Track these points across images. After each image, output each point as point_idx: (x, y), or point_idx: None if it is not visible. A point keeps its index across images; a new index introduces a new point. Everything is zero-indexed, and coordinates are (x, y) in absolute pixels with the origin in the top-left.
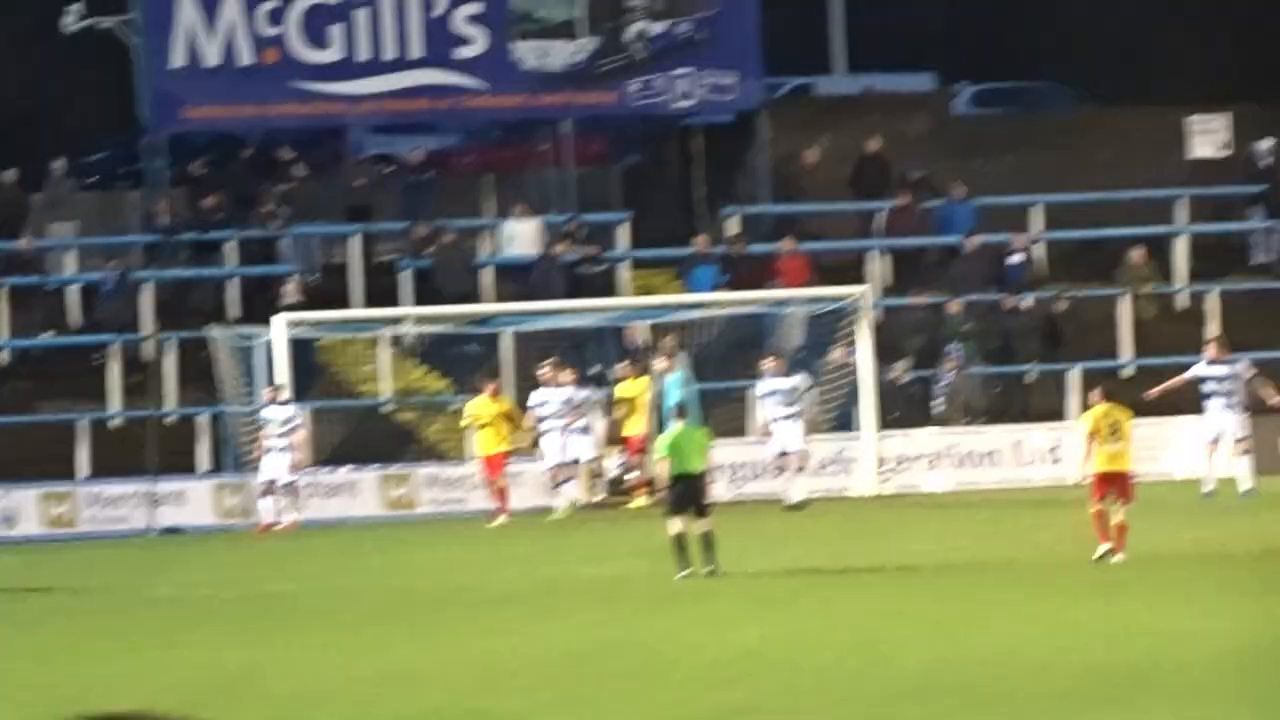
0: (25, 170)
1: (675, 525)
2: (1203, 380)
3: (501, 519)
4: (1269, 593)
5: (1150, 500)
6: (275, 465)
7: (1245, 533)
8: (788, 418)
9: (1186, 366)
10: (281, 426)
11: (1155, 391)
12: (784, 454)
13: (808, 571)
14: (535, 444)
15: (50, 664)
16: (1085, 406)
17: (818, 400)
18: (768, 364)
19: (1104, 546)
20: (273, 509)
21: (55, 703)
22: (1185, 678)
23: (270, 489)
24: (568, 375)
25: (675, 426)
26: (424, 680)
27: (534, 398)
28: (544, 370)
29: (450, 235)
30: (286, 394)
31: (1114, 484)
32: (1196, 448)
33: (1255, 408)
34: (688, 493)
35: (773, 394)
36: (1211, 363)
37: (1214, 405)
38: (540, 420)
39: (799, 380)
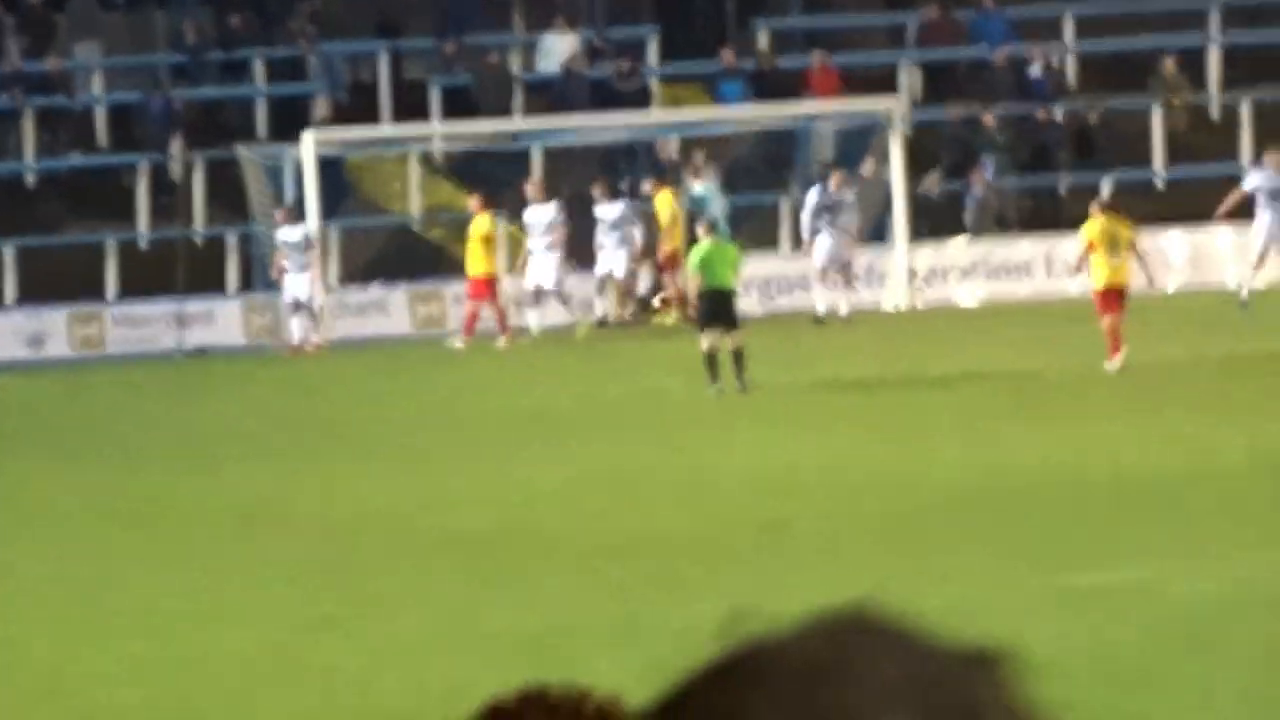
0: None
1: (706, 341)
2: (1259, 191)
3: (501, 341)
4: None
5: (1192, 311)
6: (297, 285)
7: None
8: (830, 230)
9: (1228, 178)
10: (297, 247)
11: (1222, 209)
12: (827, 267)
13: (840, 386)
14: (522, 265)
15: (83, 487)
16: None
17: (857, 214)
18: (832, 180)
19: (1117, 360)
20: (300, 329)
21: (89, 524)
22: (1218, 488)
23: (298, 308)
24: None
25: (705, 241)
26: (464, 501)
27: (524, 217)
28: (528, 188)
29: (481, 51)
30: (304, 214)
31: (1116, 298)
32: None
33: None
34: (718, 308)
35: (818, 205)
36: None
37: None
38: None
39: (847, 194)
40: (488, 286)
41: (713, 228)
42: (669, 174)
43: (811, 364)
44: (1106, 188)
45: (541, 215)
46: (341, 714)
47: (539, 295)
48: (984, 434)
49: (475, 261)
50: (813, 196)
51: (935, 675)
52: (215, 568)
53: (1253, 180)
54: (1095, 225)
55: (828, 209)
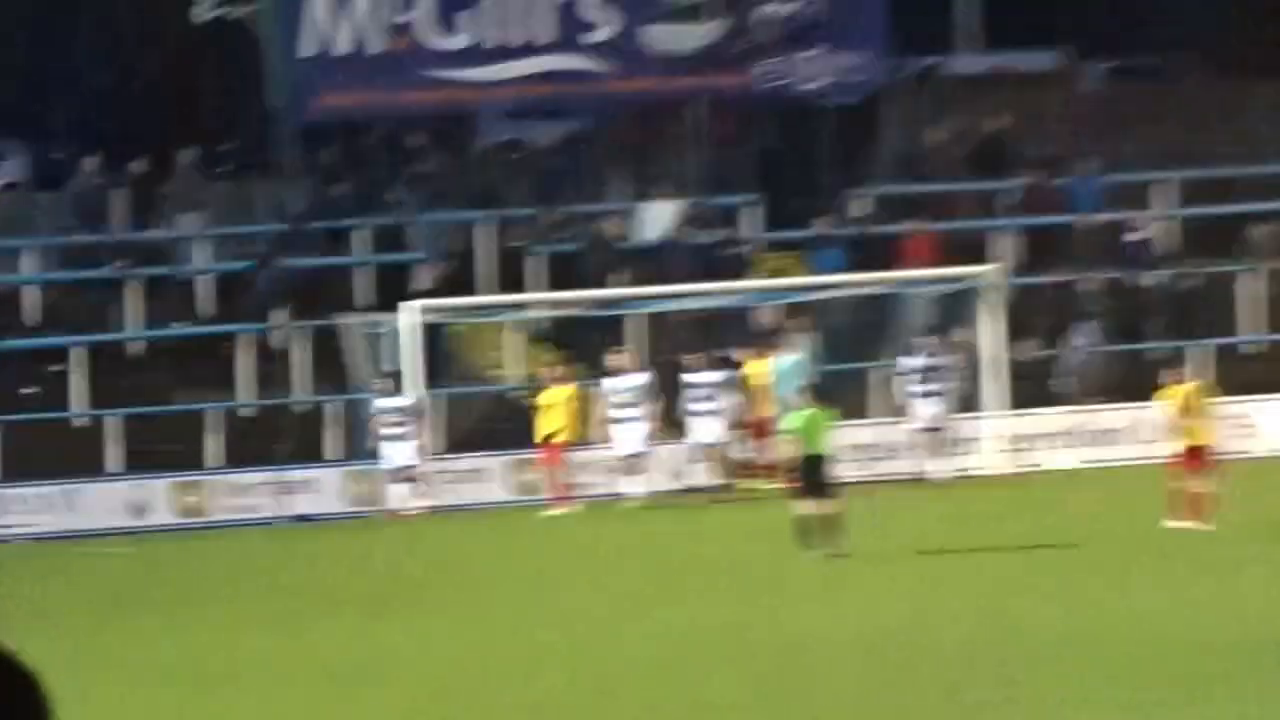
0: (155, 161)
1: (801, 507)
2: None
3: (559, 509)
4: None
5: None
6: (397, 453)
7: None
8: (929, 395)
9: None
10: (397, 415)
11: None
12: (925, 430)
13: (935, 550)
14: (604, 434)
15: (190, 645)
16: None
17: (955, 380)
18: (929, 346)
19: (1179, 522)
20: (400, 496)
21: (199, 681)
22: None
23: (397, 476)
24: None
25: (800, 408)
26: (559, 661)
27: (604, 386)
28: (612, 357)
29: (581, 219)
30: (403, 382)
31: (1195, 457)
32: None
33: None
34: (813, 474)
35: (917, 371)
36: None
37: None
38: (612, 408)
39: (950, 359)
40: (559, 453)
41: (807, 394)
42: (764, 341)
43: (907, 528)
44: (1198, 355)
45: (630, 383)
46: None
47: (633, 462)
48: (1076, 594)
49: (550, 427)
50: (910, 362)
51: None
52: None
53: None
54: (1172, 392)
55: (925, 375)
